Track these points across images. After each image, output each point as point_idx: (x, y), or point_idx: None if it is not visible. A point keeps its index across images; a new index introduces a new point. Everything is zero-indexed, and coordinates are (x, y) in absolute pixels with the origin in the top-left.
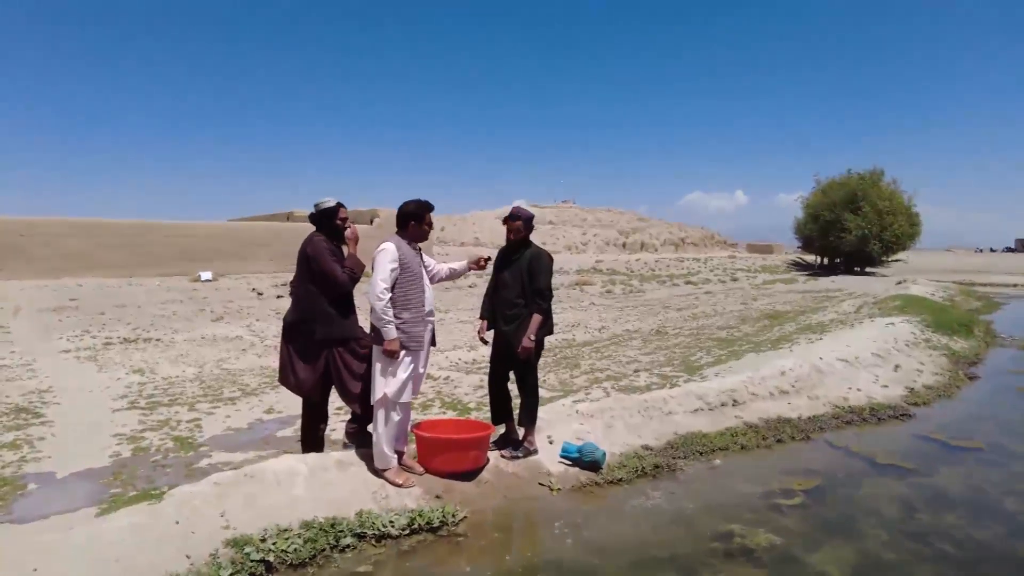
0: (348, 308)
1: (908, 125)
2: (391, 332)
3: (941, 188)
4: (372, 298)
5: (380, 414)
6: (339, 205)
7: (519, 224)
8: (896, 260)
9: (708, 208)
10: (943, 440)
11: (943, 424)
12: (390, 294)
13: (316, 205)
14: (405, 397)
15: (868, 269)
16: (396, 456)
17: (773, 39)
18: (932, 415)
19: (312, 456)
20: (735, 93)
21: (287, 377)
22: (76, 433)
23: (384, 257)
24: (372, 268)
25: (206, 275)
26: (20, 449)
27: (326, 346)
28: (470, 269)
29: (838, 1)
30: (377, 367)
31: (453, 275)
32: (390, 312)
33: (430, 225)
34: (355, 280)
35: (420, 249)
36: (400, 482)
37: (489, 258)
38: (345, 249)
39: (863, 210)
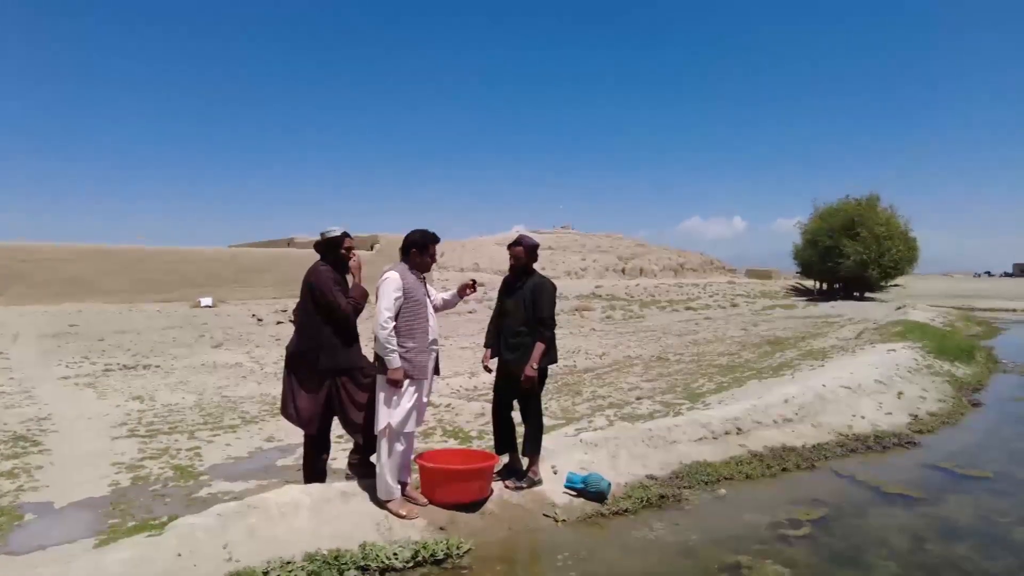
0: (352, 337)
1: (907, 150)
2: (395, 361)
3: (939, 213)
4: (376, 327)
5: (383, 444)
6: (345, 234)
7: (520, 250)
8: (895, 285)
9: (706, 235)
10: (950, 469)
11: (949, 452)
12: (394, 323)
13: (322, 234)
14: (409, 427)
15: (867, 294)
16: (400, 487)
17: (770, 65)
18: (938, 443)
19: (315, 487)
20: (732, 118)
21: (288, 409)
22: (75, 462)
23: (388, 286)
24: (376, 297)
25: (206, 301)
26: (18, 478)
27: (329, 375)
28: (461, 296)
29: (835, 27)
30: (381, 396)
31: (447, 306)
32: (394, 341)
33: (433, 257)
34: (359, 311)
35: (424, 278)
36: (404, 513)
37: (475, 280)
38: (350, 278)
39: (861, 236)
